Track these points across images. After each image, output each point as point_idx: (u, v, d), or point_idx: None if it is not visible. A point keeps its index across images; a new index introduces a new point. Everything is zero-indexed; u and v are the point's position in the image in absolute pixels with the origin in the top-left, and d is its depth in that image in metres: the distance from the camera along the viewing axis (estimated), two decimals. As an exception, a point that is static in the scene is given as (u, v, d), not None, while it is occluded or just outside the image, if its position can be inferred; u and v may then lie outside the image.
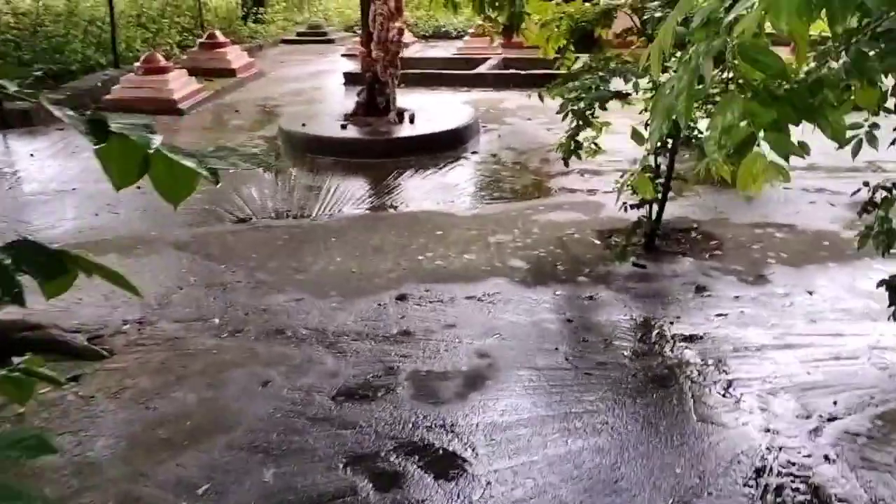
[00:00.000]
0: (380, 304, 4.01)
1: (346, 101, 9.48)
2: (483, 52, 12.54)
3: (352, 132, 7.19)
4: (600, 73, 4.32)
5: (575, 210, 5.47)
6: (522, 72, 10.24)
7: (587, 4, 4.48)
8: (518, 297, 4.07)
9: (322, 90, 10.48)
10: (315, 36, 15.84)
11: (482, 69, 10.74)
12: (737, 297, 4.05)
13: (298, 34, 15.97)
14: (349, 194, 5.92)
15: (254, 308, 3.99)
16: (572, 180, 6.12)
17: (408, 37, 15.54)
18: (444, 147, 7.04)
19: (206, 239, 4.99)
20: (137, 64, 9.17)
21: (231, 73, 10.72)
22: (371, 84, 7.48)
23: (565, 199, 5.76)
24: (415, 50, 14.07)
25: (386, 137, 7.06)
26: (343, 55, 13.54)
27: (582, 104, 4.19)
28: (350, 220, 5.39)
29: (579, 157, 4.64)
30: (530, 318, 3.83)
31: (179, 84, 9.15)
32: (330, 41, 15.64)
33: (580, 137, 4.56)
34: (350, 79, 10.60)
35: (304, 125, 7.35)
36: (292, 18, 17.20)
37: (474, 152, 7.08)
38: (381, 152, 6.90)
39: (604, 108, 4.38)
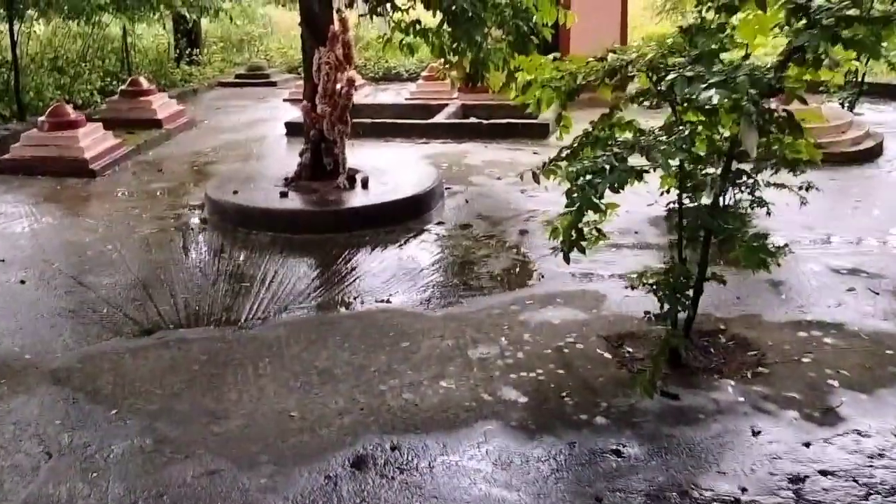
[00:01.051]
0: (328, 478, 2.87)
1: (289, 156, 8.35)
2: (439, 97, 11.59)
3: (294, 201, 6.05)
4: (615, 150, 3.32)
5: (571, 305, 4.43)
6: (485, 121, 9.28)
7: (592, 61, 3.49)
8: (520, 458, 2.98)
9: (261, 142, 9.33)
10: (255, 78, 14.69)
11: (440, 118, 9.75)
12: (808, 445, 3.04)
13: (238, 76, 14.81)
14: (289, 286, 4.78)
15: (148, 491, 2.80)
16: (559, 260, 5.07)
17: (356, 79, 14.56)
18: (404, 217, 5.97)
19: (97, 364, 3.78)
20: (42, 118, 7.89)
21: (157, 123, 9.50)
22: (316, 143, 6.38)
23: (556, 286, 4.72)
24: (364, 94, 13.04)
25: (335, 208, 5.95)
26: (286, 100, 12.43)
27: (597, 189, 3.17)
28: (290, 326, 4.23)
29: (583, 251, 3.61)
30: (544, 501, 2.73)
31: (92, 140, 7.90)
32: (272, 84, 14.53)
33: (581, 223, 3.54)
34: (292, 129, 9.47)
35: (235, 192, 6.19)
36: (231, 59, 16.06)
37: (440, 223, 6.02)
38: (329, 226, 5.79)
39: (617, 191, 3.37)
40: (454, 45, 6.40)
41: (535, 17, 6.24)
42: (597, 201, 3.27)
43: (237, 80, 14.64)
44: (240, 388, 3.52)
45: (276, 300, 4.56)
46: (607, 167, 3.24)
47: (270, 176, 6.71)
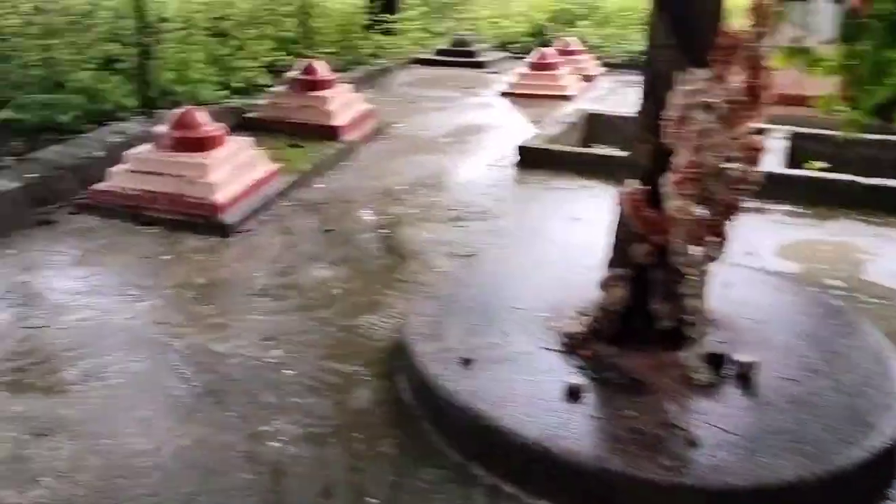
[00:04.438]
0: None
1: (539, 219, 5.03)
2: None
3: (601, 424, 2.68)
4: None
5: None
6: (861, 181, 5.40)
7: None
8: None
9: (482, 178, 6.03)
10: (459, 56, 11.51)
11: (773, 163, 5.98)
12: None
13: (439, 52, 11.68)
14: None
15: None
16: None
17: (592, 66, 10.94)
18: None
19: None
20: (159, 128, 5.05)
21: (331, 132, 6.50)
22: (642, 270, 2.97)
23: None
24: (606, 88, 9.46)
25: (717, 483, 2.47)
26: (505, 93, 9.12)
27: None
28: None
29: None
30: None
31: (232, 169, 4.98)
32: (478, 65, 11.28)
33: None
34: (530, 158, 6.14)
35: (467, 363, 2.93)
36: (431, 29, 12.89)
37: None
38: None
39: None
40: None
41: None
42: None
43: (437, 58, 11.52)
44: None
45: None
46: None
47: (526, 305, 3.39)
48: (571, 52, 10.12)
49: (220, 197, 4.76)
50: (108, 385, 3.10)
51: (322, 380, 3.19)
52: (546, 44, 10.85)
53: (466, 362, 2.94)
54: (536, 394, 2.77)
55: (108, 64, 6.59)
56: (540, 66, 9.08)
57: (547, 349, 3.04)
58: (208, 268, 4.26)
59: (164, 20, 7.23)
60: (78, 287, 3.96)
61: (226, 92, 7.31)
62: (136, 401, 3.00)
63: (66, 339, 3.44)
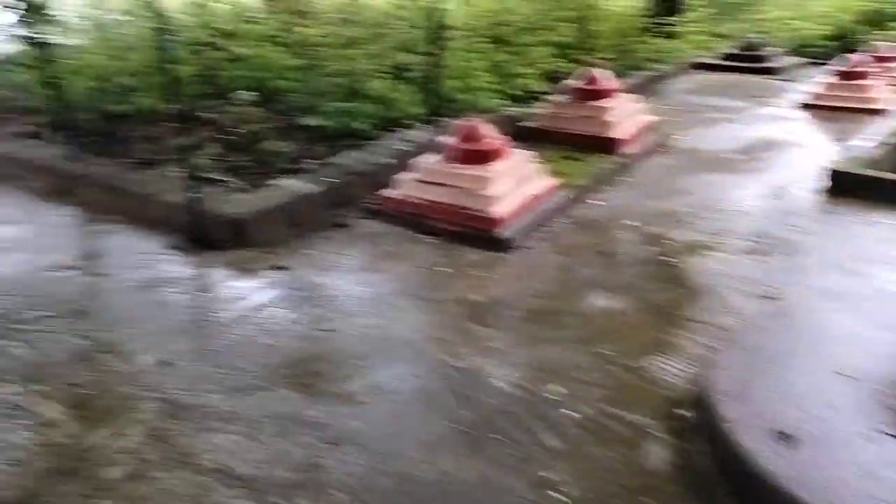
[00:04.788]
0: None
1: (853, 265, 4.31)
2: None
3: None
4: None
5: None
6: None
7: None
8: None
9: (779, 205, 5.37)
10: (747, 61, 10.58)
11: None
12: None
13: (726, 56, 10.85)
14: None
15: None
16: None
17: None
18: None
19: None
20: (444, 138, 5.11)
21: (609, 145, 6.21)
22: None
23: None
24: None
25: None
26: (805, 105, 8.15)
27: None
28: None
29: None
30: None
31: (509, 184, 4.90)
32: (767, 71, 10.28)
33: None
34: (843, 184, 5.35)
35: (785, 438, 2.50)
36: (714, 31, 12.01)
37: None
38: None
39: None
40: None
41: None
42: None
43: (721, 63, 10.70)
44: None
45: None
46: None
47: (854, 371, 2.85)
48: (886, 59, 8.79)
49: (499, 210, 4.71)
50: (394, 400, 3.13)
51: (606, 427, 2.94)
52: (851, 49, 9.56)
53: (785, 437, 2.52)
54: (877, 492, 2.28)
55: (398, 73, 6.91)
56: (849, 75, 7.98)
57: (889, 434, 2.51)
58: (484, 284, 4.21)
59: (449, 28, 7.43)
60: (364, 293, 4.11)
61: (503, 100, 7.33)
62: (420, 421, 2.99)
63: (354, 346, 3.56)
